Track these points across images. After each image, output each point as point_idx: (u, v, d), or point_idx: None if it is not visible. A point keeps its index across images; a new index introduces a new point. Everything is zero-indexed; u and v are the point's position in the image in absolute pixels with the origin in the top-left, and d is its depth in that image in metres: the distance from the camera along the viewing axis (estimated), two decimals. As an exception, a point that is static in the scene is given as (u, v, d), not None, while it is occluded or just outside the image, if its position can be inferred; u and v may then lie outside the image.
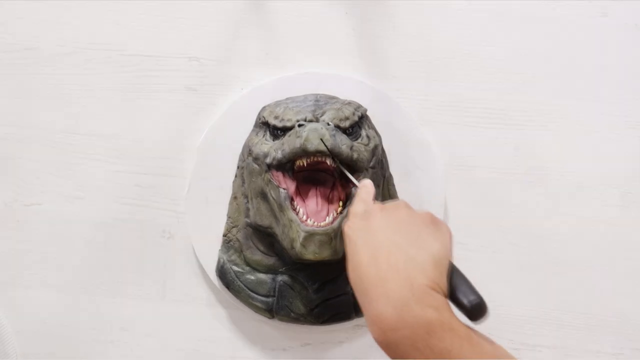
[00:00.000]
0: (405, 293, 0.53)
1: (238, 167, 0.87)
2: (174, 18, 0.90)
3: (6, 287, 0.90)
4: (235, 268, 0.86)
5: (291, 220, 0.78)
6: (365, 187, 0.70)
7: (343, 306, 0.85)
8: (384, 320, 0.53)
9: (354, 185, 0.77)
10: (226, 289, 0.87)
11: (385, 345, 0.53)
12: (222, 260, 0.86)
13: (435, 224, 0.61)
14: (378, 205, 0.64)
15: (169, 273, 0.89)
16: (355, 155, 0.78)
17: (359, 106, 0.84)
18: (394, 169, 0.87)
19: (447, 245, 0.60)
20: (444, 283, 0.57)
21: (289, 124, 0.80)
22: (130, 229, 0.89)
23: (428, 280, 0.55)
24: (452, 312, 0.55)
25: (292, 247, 0.78)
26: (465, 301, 0.57)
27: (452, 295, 0.58)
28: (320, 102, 0.83)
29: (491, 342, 0.55)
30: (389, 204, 0.66)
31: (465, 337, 0.52)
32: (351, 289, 0.83)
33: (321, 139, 0.75)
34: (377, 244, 0.58)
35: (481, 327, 0.88)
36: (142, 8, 0.90)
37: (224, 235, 0.87)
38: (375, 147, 0.83)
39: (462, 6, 0.89)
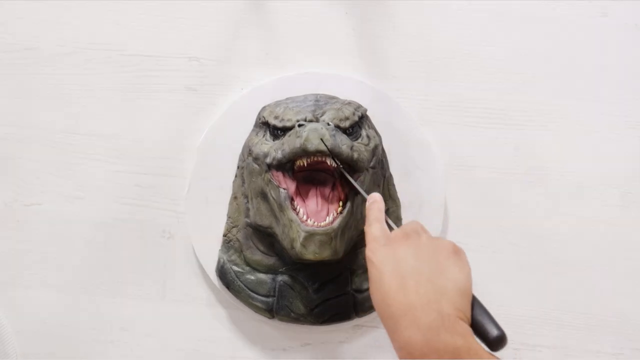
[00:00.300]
0: (434, 321, 0.56)
1: (238, 167, 0.87)
2: (174, 18, 0.90)
3: (6, 287, 0.90)
4: (235, 268, 0.86)
5: (291, 220, 0.78)
6: (376, 204, 0.71)
7: (343, 306, 0.85)
8: (413, 345, 0.56)
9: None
10: (226, 289, 0.87)
11: None
12: (222, 260, 0.86)
13: (457, 253, 0.64)
14: (400, 232, 0.66)
15: (169, 273, 0.89)
16: (355, 155, 0.78)
17: (359, 106, 0.84)
18: (394, 169, 0.87)
19: (469, 276, 0.63)
20: (468, 312, 0.60)
21: (289, 124, 0.80)
22: (130, 229, 0.90)
23: (455, 310, 0.58)
24: (476, 340, 0.58)
25: (292, 247, 0.78)
26: (488, 333, 0.61)
27: (475, 325, 0.61)
28: (320, 102, 0.83)
29: None
30: (409, 227, 0.67)
31: None
32: (352, 290, 0.84)
33: (321, 139, 0.75)
34: (404, 273, 0.60)
35: (481, 327, 0.88)
36: (142, 8, 0.90)
37: (224, 235, 0.87)
38: (376, 147, 0.83)
39: (462, 6, 0.89)
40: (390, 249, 0.63)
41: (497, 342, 0.60)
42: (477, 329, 0.61)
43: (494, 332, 0.60)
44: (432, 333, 0.56)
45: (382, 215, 0.69)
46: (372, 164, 0.82)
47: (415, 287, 0.59)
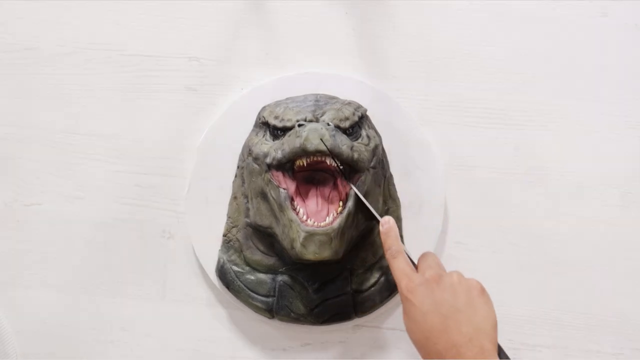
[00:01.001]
0: (477, 355, 0.64)
1: (238, 167, 0.87)
2: (174, 18, 0.90)
3: (6, 287, 0.90)
4: (235, 268, 0.86)
5: (291, 220, 0.78)
6: (392, 231, 0.74)
7: (343, 306, 0.85)
8: None
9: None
10: (226, 289, 0.87)
11: None
12: (222, 260, 0.86)
13: (484, 291, 0.70)
14: (434, 273, 0.70)
15: (169, 273, 0.89)
16: (355, 156, 0.78)
17: (359, 106, 0.84)
18: (394, 168, 0.87)
19: (495, 312, 0.70)
20: (495, 337, 0.68)
21: (289, 124, 0.80)
22: (130, 229, 0.90)
23: (493, 346, 0.67)
24: None
25: (292, 247, 0.78)
26: None
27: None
28: (320, 102, 0.83)
29: None
30: (435, 265, 0.72)
31: None
32: (352, 290, 0.84)
33: (321, 139, 0.75)
34: (446, 314, 0.67)
35: (481, 327, 0.88)
36: (142, 8, 0.90)
37: (224, 235, 0.87)
38: (376, 147, 0.83)
39: (462, 6, 0.89)
40: (429, 289, 0.68)
41: None
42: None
43: None
44: None
45: (401, 243, 0.74)
46: (372, 164, 0.82)
47: (457, 327, 0.66)
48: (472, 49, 0.89)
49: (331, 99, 0.85)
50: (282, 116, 0.81)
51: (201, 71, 0.90)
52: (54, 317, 0.90)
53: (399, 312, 0.88)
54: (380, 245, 0.85)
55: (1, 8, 0.91)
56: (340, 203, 0.79)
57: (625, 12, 0.89)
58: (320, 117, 0.80)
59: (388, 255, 0.73)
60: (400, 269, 0.71)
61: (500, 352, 0.70)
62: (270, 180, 0.80)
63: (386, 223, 0.74)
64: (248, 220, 0.85)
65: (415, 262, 0.86)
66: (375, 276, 0.85)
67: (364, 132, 0.83)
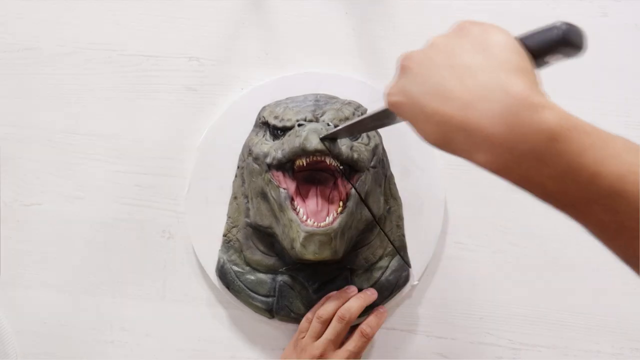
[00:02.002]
0: (507, 104, 0.44)
1: (238, 167, 0.87)
2: (174, 18, 0.90)
3: (6, 287, 0.90)
4: (235, 268, 0.86)
5: (291, 220, 0.78)
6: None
7: (343, 306, 0.85)
8: (496, 141, 0.45)
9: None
10: (226, 289, 0.87)
11: (507, 169, 0.46)
12: (222, 260, 0.86)
13: (477, 23, 0.50)
14: (413, 52, 0.54)
15: (169, 273, 0.89)
16: (355, 156, 0.78)
17: (359, 106, 0.84)
18: (394, 168, 0.87)
19: (495, 28, 0.50)
20: (529, 64, 0.48)
21: (289, 124, 0.80)
22: (130, 229, 0.90)
23: (519, 76, 0.46)
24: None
25: (292, 247, 0.78)
26: (554, 34, 0.48)
27: (538, 52, 0.49)
28: (320, 102, 0.83)
29: (616, 135, 0.45)
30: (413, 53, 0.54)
31: (593, 134, 0.44)
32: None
33: (320, 139, 0.75)
34: (442, 84, 0.48)
35: (480, 327, 0.89)
36: (142, 8, 0.90)
37: (224, 235, 0.87)
38: (376, 146, 0.83)
39: (462, 6, 0.89)
40: (407, 74, 0.51)
41: (565, 38, 0.48)
42: (541, 51, 0.49)
43: (556, 33, 0.47)
44: (513, 117, 0.44)
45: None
46: (372, 163, 0.82)
47: (460, 86, 0.47)
48: (472, 49, 0.89)
49: (331, 98, 0.85)
50: (282, 116, 0.81)
51: (201, 71, 0.90)
52: (54, 317, 0.90)
53: (398, 312, 0.89)
54: (380, 245, 0.85)
55: (1, 8, 0.91)
56: (341, 203, 0.79)
57: (625, 12, 0.89)
58: (320, 117, 0.80)
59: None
60: (385, 96, 0.55)
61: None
62: (270, 180, 0.80)
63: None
64: (248, 220, 0.85)
65: (411, 263, 0.87)
66: (375, 276, 0.85)
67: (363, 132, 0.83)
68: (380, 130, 0.86)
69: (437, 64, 0.49)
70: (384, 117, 0.65)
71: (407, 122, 0.52)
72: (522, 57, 0.47)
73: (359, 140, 0.82)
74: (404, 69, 0.52)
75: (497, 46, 0.47)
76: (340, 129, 0.75)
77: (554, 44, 0.47)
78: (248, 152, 0.84)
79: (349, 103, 0.84)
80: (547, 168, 0.44)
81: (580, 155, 0.43)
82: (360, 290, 0.84)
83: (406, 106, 0.51)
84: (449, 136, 0.48)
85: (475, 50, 0.47)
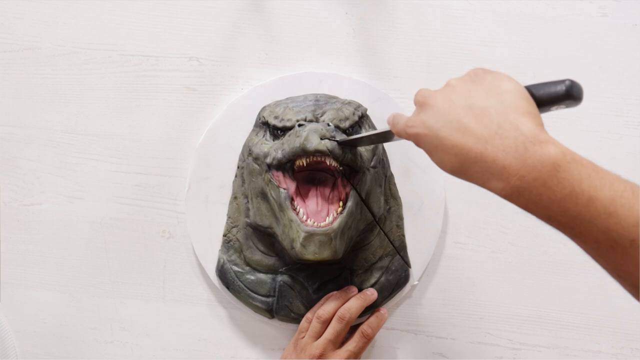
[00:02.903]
0: (518, 141, 0.53)
1: (238, 167, 0.87)
2: (174, 18, 0.90)
3: (6, 287, 0.90)
4: (235, 268, 0.86)
5: (291, 220, 0.78)
6: (396, 118, 0.66)
7: (343, 306, 0.85)
8: (509, 171, 0.53)
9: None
10: (226, 289, 0.87)
11: (517, 194, 0.53)
12: (222, 260, 0.86)
13: (489, 71, 0.59)
14: (419, 98, 0.61)
15: (168, 273, 0.89)
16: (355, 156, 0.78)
17: (359, 106, 0.84)
18: (394, 168, 0.87)
19: (506, 77, 0.58)
20: (535, 109, 0.56)
21: (289, 124, 0.80)
22: (130, 229, 0.90)
23: (527, 118, 0.54)
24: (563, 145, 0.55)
25: (292, 247, 0.78)
26: (558, 93, 0.57)
27: (544, 102, 0.57)
28: (320, 102, 0.83)
29: (607, 169, 0.54)
30: (427, 91, 0.61)
31: (589, 166, 0.52)
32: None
33: (320, 140, 0.75)
34: (456, 117, 0.56)
35: (480, 327, 0.89)
36: (142, 8, 0.90)
37: (224, 235, 0.87)
38: (376, 146, 0.83)
39: (462, 6, 0.89)
40: (427, 109, 0.58)
41: (569, 93, 0.57)
42: (547, 100, 0.57)
43: (560, 87, 0.57)
44: (522, 152, 0.53)
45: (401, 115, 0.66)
46: (372, 163, 0.82)
47: (480, 123, 0.55)
48: (472, 49, 0.89)
49: (331, 98, 0.85)
50: (282, 116, 0.81)
51: (201, 71, 0.90)
52: (54, 317, 0.90)
53: (398, 312, 0.89)
54: (380, 245, 0.85)
55: (1, 8, 0.91)
56: (341, 203, 0.79)
57: (625, 12, 0.89)
58: (320, 117, 0.80)
59: (395, 132, 0.64)
60: (400, 126, 0.62)
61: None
62: (270, 180, 0.80)
63: (389, 120, 0.67)
64: (248, 220, 0.85)
65: (411, 263, 0.87)
66: (375, 276, 0.85)
67: (364, 132, 0.83)
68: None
69: (455, 104, 0.57)
70: (389, 137, 0.73)
71: (425, 151, 0.59)
72: (529, 103, 0.56)
73: (359, 140, 0.82)
74: (423, 105, 0.59)
75: (509, 92, 0.56)
76: (349, 139, 0.77)
77: (559, 96, 0.57)
78: (248, 152, 0.84)
79: (349, 103, 0.84)
80: (552, 193, 0.52)
81: (580, 182, 0.52)
82: (360, 290, 0.84)
83: (427, 138, 0.58)
84: (467, 166, 0.55)
85: (490, 95, 0.56)
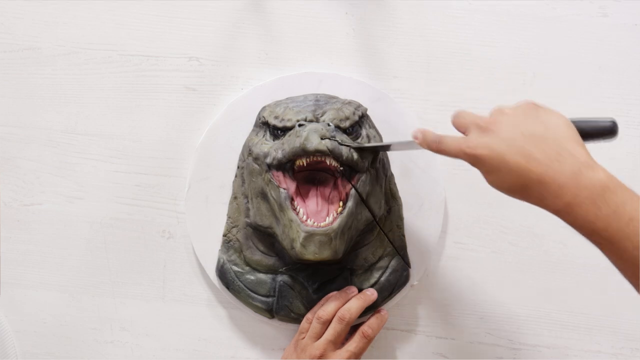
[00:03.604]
0: (574, 166, 0.61)
1: (238, 167, 0.87)
2: (174, 18, 0.90)
3: (6, 287, 0.90)
4: (235, 268, 0.86)
5: (291, 220, 0.78)
6: (426, 136, 0.70)
7: (343, 306, 0.85)
8: (565, 190, 0.61)
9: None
10: (226, 289, 0.87)
11: (569, 210, 0.62)
12: (222, 260, 0.86)
13: (537, 105, 0.66)
14: (483, 122, 0.66)
15: (168, 273, 0.89)
16: (355, 156, 0.78)
17: (359, 105, 0.84)
18: (394, 168, 0.87)
19: (555, 112, 0.66)
20: (581, 140, 0.65)
21: (289, 124, 0.80)
22: (130, 229, 0.90)
23: (579, 146, 0.63)
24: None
25: (292, 247, 0.78)
26: (603, 130, 0.66)
27: (588, 135, 0.66)
28: (321, 102, 0.83)
29: None
30: (478, 117, 0.67)
31: (631, 192, 0.62)
32: None
33: (321, 139, 0.75)
34: (521, 144, 0.63)
35: (480, 327, 0.89)
36: (142, 8, 0.90)
37: (224, 235, 0.87)
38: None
39: (462, 6, 0.89)
40: (493, 135, 0.65)
41: (613, 130, 0.66)
42: (591, 134, 0.66)
43: (607, 124, 0.66)
44: (577, 175, 0.61)
45: (435, 133, 0.71)
46: (373, 163, 0.82)
47: (539, 152, 0.63)
48: (472, 49, 0.89)
49: (331, 98, 0.85)
50: (282, 116, 0.81)
51: (201, 71, 0.90)
52: (54, 317, 0.90)
53: (398, 312, 0.89)
54: (380, 245, 0.85)
55: (1, 8, 0.91)
56: (341, 203, 0.79)
57: (625, 12, 0.89)
58: (321, 117, 0.80)
59: (435, 148, 0.69)
60: (451, 144, 0.67)
61: None
62: (270, 180, 0.80)
63: (418, 134, 0.71)
64: (248, 220, 0.85)
65: (411, 263, 0.87)
66: (375, 276, 0.85)
67: (364, 132, 0.83)
68: (380, 130, 0.86)
69: (518, 131, 0.64)
70: (407, 147, 0.78)
71: (482, 171, 0.66)
72: (577, 134, 0.65)
73: (360, 140, 0.82)
74: (487, 130, 0.65)
75: (560, 125, 0.65)
76: (367, 146, 0.80)
77: (605, 132, 0.66)
78: (248, 152, 0.84)
79: (349, 103, 0.84)
80: (599, 210, 0.61)
81: (623, 204, 0.60)
82: (360, 290, 0.84)
83: (490, 160, 0.64)
84: (528, 186, 0.63)
85: (546, 126, 0.64)
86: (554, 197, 0.62)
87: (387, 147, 0.81)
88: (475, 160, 0.66)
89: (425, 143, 0.70)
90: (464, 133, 0.68)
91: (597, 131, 0.66)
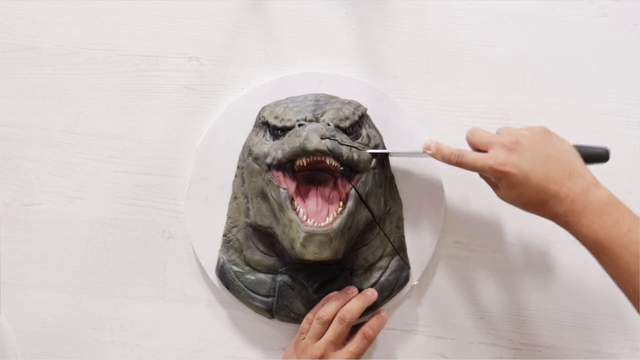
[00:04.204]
0: (584, 185, 0.72)
1: (238, 167, 0.87)
2: (174, 18, 0.90)
3: (6, 287, 0.90)
4: (235, 268, 0.86)
5: (291, 220, 0.78)
6: (439, 149, 0.78)
7: (343, 306, 0.85)
8: (575, 204, 0.71)
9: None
10: (226, 289, 0.87)
11: (575, 220, 0.72)
12: (222, 260, 0.86)
13: (549, 131, 0.76)
14: (506, 140, 0.74)
15: (168, 273, 0.89)
16: (355, 156, 0.78)
17: (359, 105, 0.84)
18: (394, 169, 0.87)
19: (562, 138, 0.76)
20: (583, 162, 0.76)
21: (289, 124, 0.80)
22: (130, 229, 0.90)
23: (584, 168, 0.74)
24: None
25: (292, 247, 0.78)
26: (598, 155, 0.78)
27: (586, 159, 0.76)
28: (320, 102, 0.83)
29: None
30: (506, 138, 0.75)
31: (629, 210, 0.72)
32: None
33: (321, 139, 0.75)
34: (540, 164, 0.73)
35: (480, 327, 0.89)
36: (142, 8, 0.90)
37: (224, 235, 0.87)
38: (376, 146, 0.83)
39: (462, 6, 0.89)
40: (516, 153, 0.74)
41: (606, 156, 0.78)
42: (589, 158, 0.77)
43: (603, 151, 0.77)
44: (586, 192, 0.72)
45: (453, 148, 0.78)
46: (373, 164, 0.82)
47: (555, 170, 0.73)
48: (472, 49, 0.89)
49: (331, 98, 0.85)
50: (282, 116, 0.81)
51: (201, 71, 0.90)
52: (54, 317, 0.90)
53: (398, 312, 0.89)
54: (380, 245, 0.85)
55: (1, 8, 0.91)
56: (341, 203, 0.79)
57: (625, 12, 0.89)
58: (320, 116, 0.80)
59: (455, 161, 0.76)
60: (476, 160, 0.75)
61: None
62: (270, 180, 0.80)
63: (431, 146, 0.78)
64: (248, 220, 0.85)
65: (411, 263, 0.87)
66: (375, 276, 0.85)
67: (364, 132, 0.83)
68: (380, 131, 0.86)
69: (538, 153, 0.73)
70: (411, 155, 0.87)
71: (504, 185, 0.74)
72: (580, 157, 0.75)
73: (360, 140, 0.82)
74: (513, 150, 0.73)
75: (568, 149, 0.75)
76: (377, 152, 0.82)
77: (600, 157, 0.77)
78: (248, 152, 0.84)
79: (349, 103, 0.84)
80: (602, 221, 0.71)
81: (623, 217, 0.71)
82: (360, 290, 0.84)
83: (515, 177, 0.73)
84: (545, 200, 0.73)
85: (558, 150, 0.74)
86: (565, 210, 0.72)
87: (388, 154, 0.83)
88: (502, 175, 0.73)
89: (439, 155, 0.77)
90: (482, 150, 0.75)
91: (592, 156, 0.77)
